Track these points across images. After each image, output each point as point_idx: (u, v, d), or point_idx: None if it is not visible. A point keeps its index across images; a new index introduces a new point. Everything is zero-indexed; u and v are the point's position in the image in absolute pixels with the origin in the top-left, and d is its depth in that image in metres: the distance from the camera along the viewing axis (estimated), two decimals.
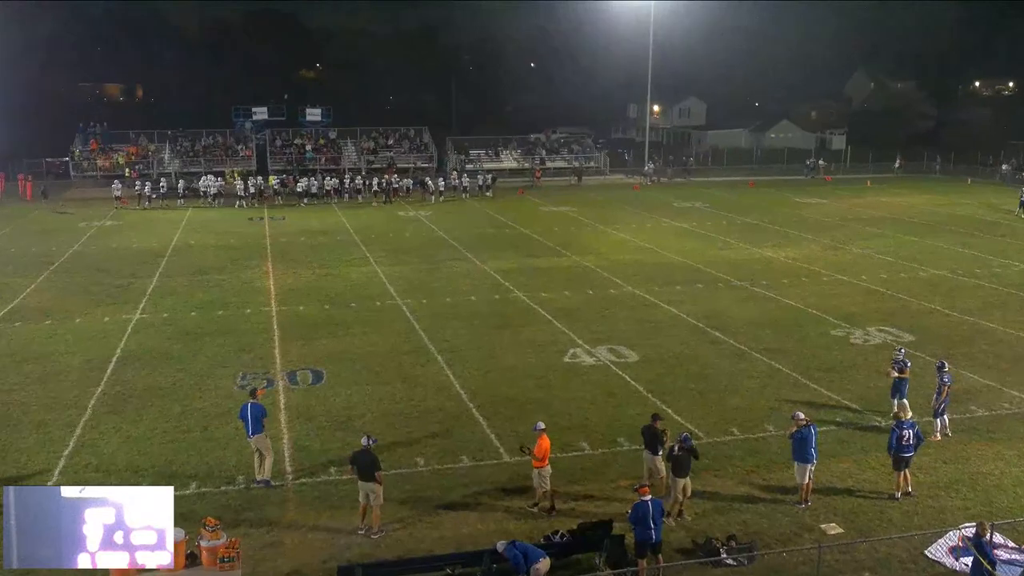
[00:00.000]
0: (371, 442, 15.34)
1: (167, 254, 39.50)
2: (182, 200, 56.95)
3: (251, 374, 22.97)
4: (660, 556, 13.87)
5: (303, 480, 17.03)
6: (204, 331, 27.00)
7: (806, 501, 16.00)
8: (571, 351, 24.87)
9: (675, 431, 17.34)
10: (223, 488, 16.64)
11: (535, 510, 15.74)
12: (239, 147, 71.74)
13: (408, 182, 62.42)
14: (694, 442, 15.98)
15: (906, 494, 16.29)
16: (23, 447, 18.44)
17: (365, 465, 14.98)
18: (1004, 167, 71.57)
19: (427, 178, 62.64)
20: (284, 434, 19.08)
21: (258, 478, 16.70)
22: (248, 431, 16.68)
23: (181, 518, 11.83)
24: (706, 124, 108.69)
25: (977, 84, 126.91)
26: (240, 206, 55.37)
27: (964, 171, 72.41)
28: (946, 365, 19.43)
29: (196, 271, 35.86)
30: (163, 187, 57.35)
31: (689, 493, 15.68)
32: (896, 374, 19.84)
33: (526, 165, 73.35)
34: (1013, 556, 14.19)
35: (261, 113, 77.75)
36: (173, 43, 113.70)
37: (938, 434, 18.80)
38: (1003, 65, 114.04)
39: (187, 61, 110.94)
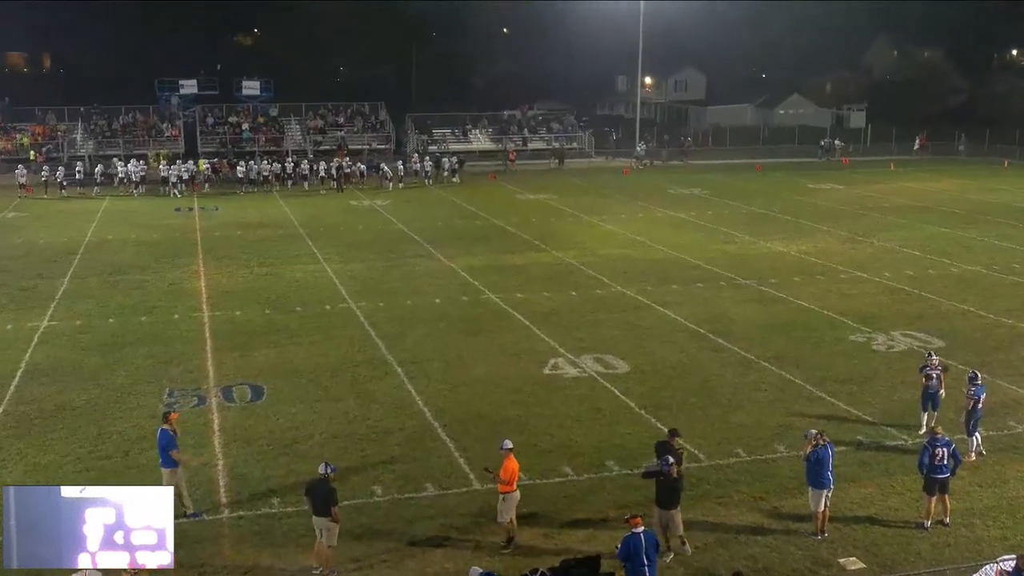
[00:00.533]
0: (329, 471, 15.21)
1: (80, 251, 39.22)
2: (98, 188, 56.51)
3: (179, 390, 22.84)
4: None
5: (241, 513, 16.93)
6: (124, 341, 26.83)
7: (822, 532, 16.07)
8: (552, 361, 24.92)
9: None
10: None
11: (507, 552, 15.54)
12: (164, 126, 71.25)
13: (362, 166, 62.27)
14: (676, 466, 15.56)
15: (938, 523, 16.38)
16: None
17: (320, 496, 14.93)
18: None
19: (383, 162, 62.54)
20: (219, 460, 18.99)
21: (188, 512, 16.57)
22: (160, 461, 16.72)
23: None
24: (705, 99, 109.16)
25: (1015, 53, 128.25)
26: (167, 194, 54.96)
27: (1000, 152, 73.24)
28: (979, 376, 19.62)
29: (114, 271, 35.64)
30: (79, 173, 56.73)
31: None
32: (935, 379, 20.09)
33: (499, 147, 73.43)
34: None
35: (190, 86, 77.30)
36: (87, 4, 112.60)
37: (972, 454, 18.97)
38: None
39: (103, 25, 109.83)
